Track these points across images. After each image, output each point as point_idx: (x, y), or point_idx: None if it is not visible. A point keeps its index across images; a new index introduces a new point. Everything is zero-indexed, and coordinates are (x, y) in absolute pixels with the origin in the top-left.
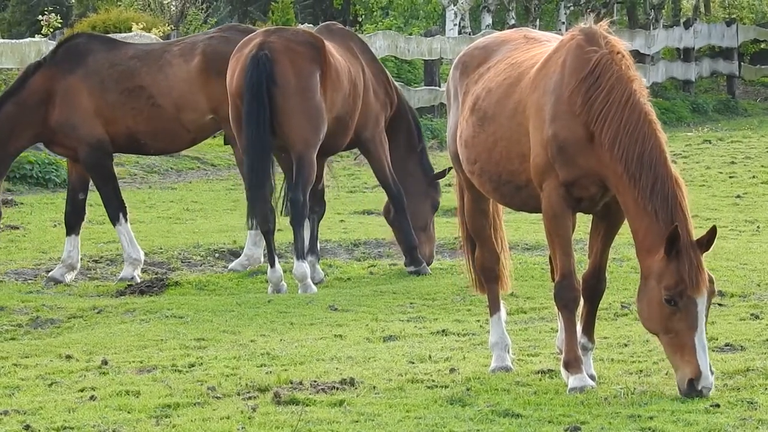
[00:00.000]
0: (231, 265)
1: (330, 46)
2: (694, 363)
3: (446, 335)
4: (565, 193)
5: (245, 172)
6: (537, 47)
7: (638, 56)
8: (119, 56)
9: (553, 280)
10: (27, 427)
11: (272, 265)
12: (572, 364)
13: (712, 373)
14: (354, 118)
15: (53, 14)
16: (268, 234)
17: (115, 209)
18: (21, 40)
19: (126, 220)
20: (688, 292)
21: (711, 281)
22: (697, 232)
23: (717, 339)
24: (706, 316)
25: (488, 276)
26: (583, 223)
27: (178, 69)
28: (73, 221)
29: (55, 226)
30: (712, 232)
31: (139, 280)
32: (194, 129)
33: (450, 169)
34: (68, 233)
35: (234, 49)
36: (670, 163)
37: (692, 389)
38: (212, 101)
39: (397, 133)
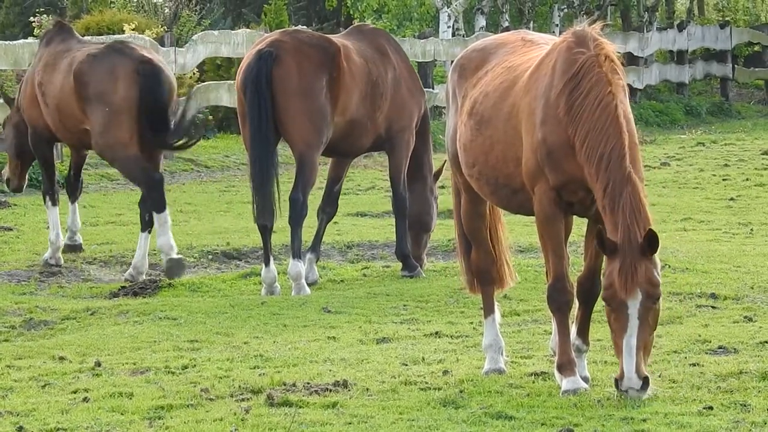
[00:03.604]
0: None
1: (351, 49)
2: (620, 364)
3: (439, 337)
4: (555, 196)
5: (249, 166)
6: (534, 50)
7: (632, 58)
8: (55, 49)
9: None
10: (20, 428)
11: (267, 264)
12: (565, 366)
13: (641, 378)
14: (375, 118)
15: (45, 15)
16: (265, 231)
17: (44, 192)
18: (15, 42)
19: (54, 204)
20: (619, 294)
21: (652, 284)
22: (691, 235)
23: (710, 341)
24: (648, 319)
25: (483, 278)
26: (578, 226)
27: (60, 74)
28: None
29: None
30: (650, 237)
31: (55, 263)
32: (78, 132)
33: (443, 165)
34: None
35: (101, 67)
36: (627, 165)
37: (617, 389)
38: (81, 111)
39: (419, 136)
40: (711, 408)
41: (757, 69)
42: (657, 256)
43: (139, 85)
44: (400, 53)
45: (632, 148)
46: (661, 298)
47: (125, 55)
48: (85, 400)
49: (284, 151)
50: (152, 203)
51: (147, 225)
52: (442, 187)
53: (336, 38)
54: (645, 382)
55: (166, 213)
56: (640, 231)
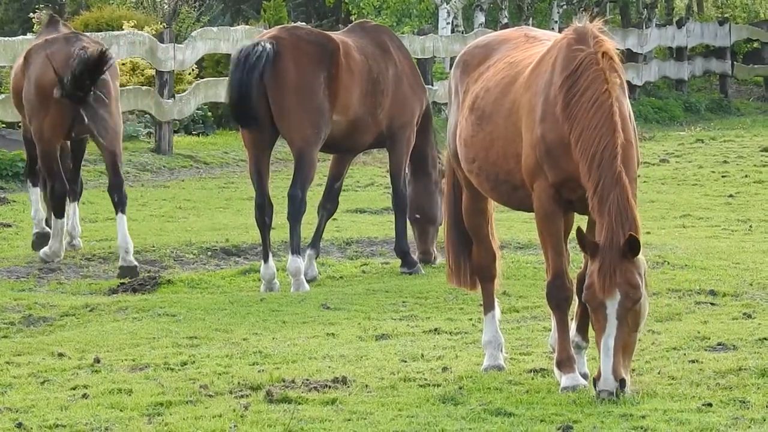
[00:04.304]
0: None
1: (351, 46)
2: (599, 365)
3: (438, 334)
4: (554, 193)
5: (249, 163)
6: (537, 46)
7: (631, 55)
8: (37, 41)
9: None
10: (19, 425)
11: (266, 260)
12: (565, 363)
13: (618, 379)
14: (376, 115)
15: (44, 12)
16: (264, 228)
17: (25, 175)
18: (13, 38)
19: (34, 185)
20: (597, 294)
21: (631, 285)
22: (690, 232)
23: (709, 338)
24: (627, 320)
25: (484, 275)
26: (578, 222)
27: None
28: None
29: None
30: (632, 241)
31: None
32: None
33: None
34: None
35: (44, 53)
36: (618, 165)
37: (595, 389)
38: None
39: (421, 132)
40: (710, 405)
41: (756, 66)
42: (641, 259)
43: (71, 68)
44: (402, 50)
45: (627, 148)
46: (643, 300)
47: (69, 43)
48: (84, 396)
49: (284, 148)
50: (52, 203)
51: (118, 206)
52: None
53: (336, 35)
54: (622, 383)
55: (63, 220)
56: (624, 234)
